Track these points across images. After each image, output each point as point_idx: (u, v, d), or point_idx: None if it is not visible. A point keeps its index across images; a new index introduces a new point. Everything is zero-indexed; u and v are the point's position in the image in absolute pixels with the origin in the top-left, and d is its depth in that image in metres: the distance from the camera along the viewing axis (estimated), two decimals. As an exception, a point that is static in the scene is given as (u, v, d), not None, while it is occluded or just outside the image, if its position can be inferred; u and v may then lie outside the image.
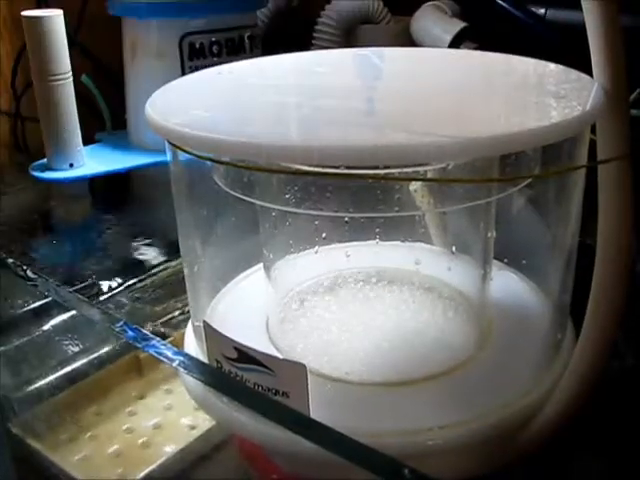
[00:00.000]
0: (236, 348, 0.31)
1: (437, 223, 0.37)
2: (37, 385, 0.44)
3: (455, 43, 0.69)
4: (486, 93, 0.33)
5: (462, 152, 0.26)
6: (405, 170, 0.28)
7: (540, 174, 0.29)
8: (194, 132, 0.28)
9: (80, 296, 0.36)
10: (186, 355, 0.31)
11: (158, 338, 0.31)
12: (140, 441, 0.43)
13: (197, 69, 0.62)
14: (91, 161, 0.61)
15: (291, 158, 0.26)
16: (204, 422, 0.43)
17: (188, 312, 0.48)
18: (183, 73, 0.62)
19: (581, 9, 0.70)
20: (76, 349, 0.46)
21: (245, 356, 0.31)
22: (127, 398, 0.46)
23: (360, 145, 0.25)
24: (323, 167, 0.27)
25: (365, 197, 0.29)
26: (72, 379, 0.45)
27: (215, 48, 0.62)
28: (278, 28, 0.78)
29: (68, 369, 0.45)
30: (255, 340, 0.37)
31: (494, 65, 0.38)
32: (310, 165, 0.26)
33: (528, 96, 0.32)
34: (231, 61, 0.63)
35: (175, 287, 0.50)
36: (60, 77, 0.57)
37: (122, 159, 0.63)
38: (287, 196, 0.30)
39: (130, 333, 0.32)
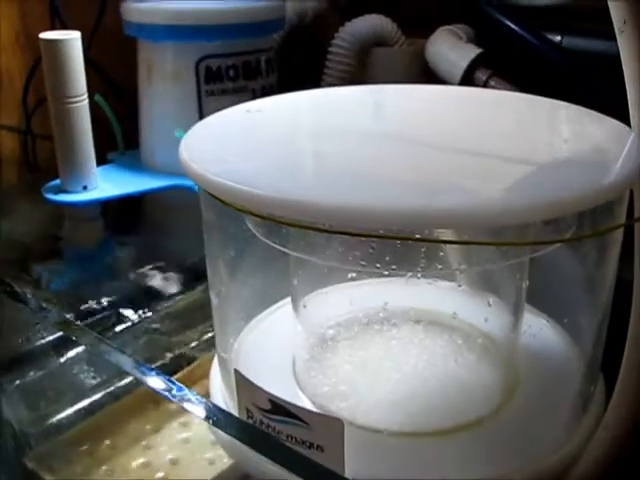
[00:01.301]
0: (270, 400, 0.31)
1: (472, 277, 0.37)
2: (53, 419, 0.44)
3: (471, 69, 0.68)
4: (525, 144, 0.33)
5: (507, 217, 0.26)
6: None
7: (577, 237, 0.29)
8: (238, 186, 0.27)
9: (108, 343, 0.35)
10: (219, 409, 0.31)
11: (191, 390, 0.30)
12: (157, 476, 0.43)
13: (213, 93, 0.62)
14: (104, 183, 0.61)
15: (342, 220, 0.25)
16: (223, 457, 0.42)
17: (206, 342, 0.48)
18: (199, 96, 0.61)
19: (598, 37, 0.69)
20: (93, 381, 0.45)
21: (279, 408, 0.31)
22: (143, 431, 0.46)
23: (409, 208, 0.25)
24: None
25: (408, 252, 0.29)
26: (88, 411, 0.45)
27: (232, 72, 0.62)
28: (291, 49, 0.77)
29: (85, 402, 0.45)
30: (280, 381, 0.37)
31: (529, 109, 0.38)
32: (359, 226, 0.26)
33: (569, 150, 0.32)
34: (247, 85, 0.63)
35: (193, 317, 0.50)
36: (76, 99, 0.57)
37: (135, 182, 0.62)
38: (326, 249, 0.30)
39: (161, 383, 0.31)
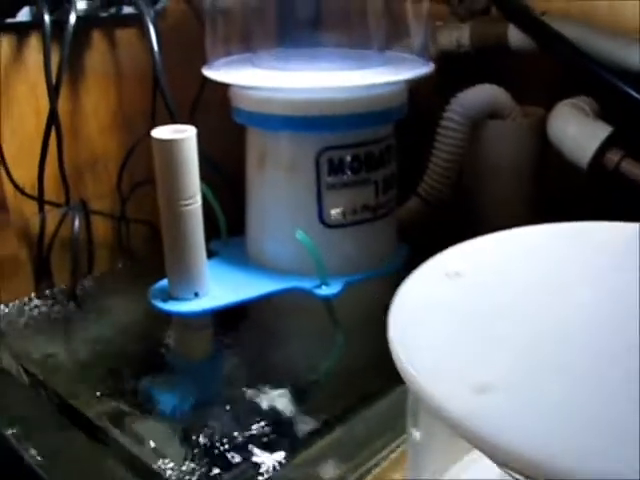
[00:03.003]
0: None
1: None
2: None
3: (601, 150, 0.63)
4: None
5: None
6: None
7: None
8: (506, 447, 0.22)
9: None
10: None
11: None
12: None
13: (334, 186, 0.56)
14: (215, 286, 0.56)
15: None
16: None
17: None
18: (319, 189, 0.56)
19: None
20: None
21: None
22: None
23: None
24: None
25: None
26: None
27: (355, 163, 0.56)
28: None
29: None
30: None
31: None
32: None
33: None
34: (370, 177, 0.57)
35: (334, 458, 0.44)
36: (190, 201, 0.52)
37: (249, 284, 0.57)
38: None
39: None
